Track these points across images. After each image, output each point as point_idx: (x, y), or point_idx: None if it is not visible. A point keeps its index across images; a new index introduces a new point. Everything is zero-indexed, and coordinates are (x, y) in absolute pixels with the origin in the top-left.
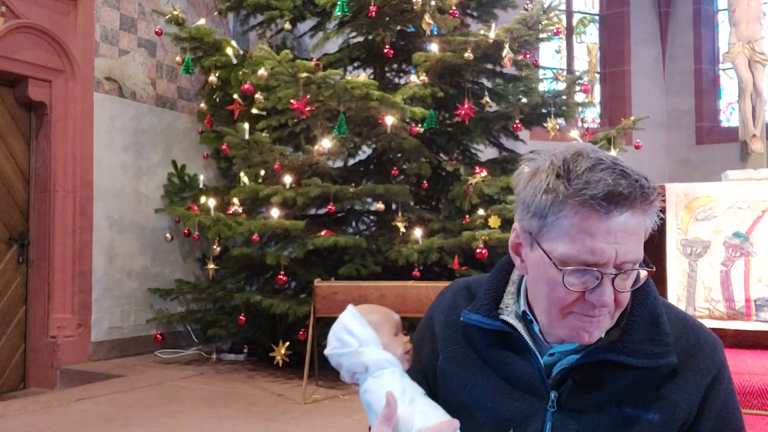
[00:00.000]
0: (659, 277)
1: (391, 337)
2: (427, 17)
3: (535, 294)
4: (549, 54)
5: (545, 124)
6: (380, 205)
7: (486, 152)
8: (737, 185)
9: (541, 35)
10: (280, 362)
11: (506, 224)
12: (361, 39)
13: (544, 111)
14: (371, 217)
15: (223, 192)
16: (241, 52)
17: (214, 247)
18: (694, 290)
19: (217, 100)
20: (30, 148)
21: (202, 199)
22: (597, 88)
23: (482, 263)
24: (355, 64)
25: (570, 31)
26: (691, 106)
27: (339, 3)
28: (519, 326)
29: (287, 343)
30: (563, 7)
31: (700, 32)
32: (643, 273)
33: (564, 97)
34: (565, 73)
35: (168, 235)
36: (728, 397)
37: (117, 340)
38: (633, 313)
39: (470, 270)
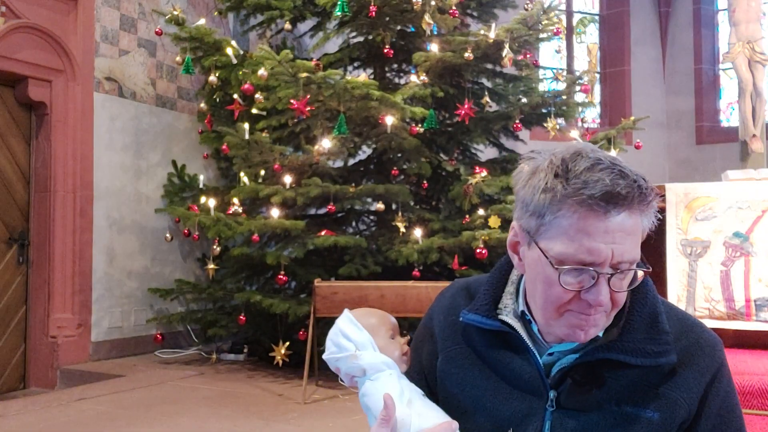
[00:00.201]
0: (659, 277)
1: (388, 340)
2: (427, 17)
3: (532, 292)
4: (549, 54)
5: (545, 124)
6: (380, 205)
7: (486, 152)
8: (737, 185)
9: (541, 35)
10: (280, 362)
11: (506, 224)
12: (361, 39)
13: (544, 111)
14: (371, 217)
15: (223, 192)
16: (241, 52)
17: (214, 247)
18: (694, 290)
19: (217, 100)
20: (30, 148)
21: (202, 199)
22: (597, 88)
23: (482, 263)
24: (355, 64)
25: (570, 31)
26: (691, 106)
27: (339, 3)
28: (518, 326)
29: (287, 343)
30: (563, 7)
31: (700, 32)
32: (640, 273)
33: (564, 97)
34: (565, 73)
35: (168, 235)
36: (728, 396)
37: (117, 340)
38: (632, 312)
39: (470, 270)
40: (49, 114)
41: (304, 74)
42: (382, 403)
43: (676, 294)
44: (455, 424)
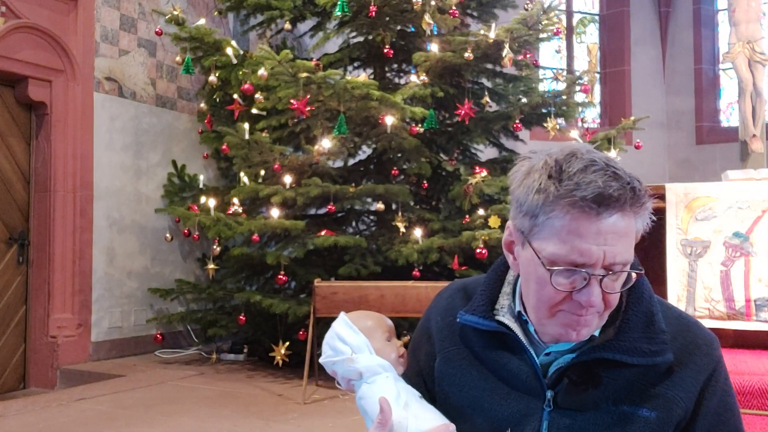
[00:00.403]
0: (659, 277)
1: (384, 342)
2: (427, 17)
3: (526, 292)
4: (549, 54)
5: (545, 124)
6: (380, 205)
7: (486, 152)
8: (737, 185)
9: (541, 35)
10: (280, 362)
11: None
12: (361, 39)
13: (544, 111)
14: (371, 217)
15: (223, 192)
16: (241, 52)
17: (214, 247)
18: (694, 290)
19: (217, 100)
20: (30, 148)
21: (202, 199)
22: (597, 88)
23: (482, 263)
24: (355, 64)
25: (570, 31)
26: (691, 106)
27: (339, 3)
28: (514, 327)
29: (287, 343)
30: (563, 7)
31: (700, 32)
32: (633, 275)
33: (564, 97)
34: (565, 73)
35: (168, 235)
36: (725, 395)
37: (117, 340)
38: (628, 312)
39: (470, 270)
40: (49, 114)
41: (304, 74)
42: (376, 407)
43: (676, 294)
44: (452, 427)
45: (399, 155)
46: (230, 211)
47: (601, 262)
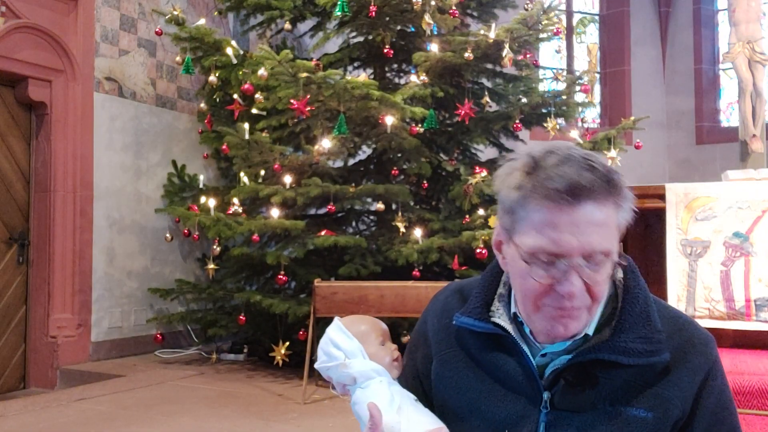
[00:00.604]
0: (659, 277)
1: (378, 347)
2: (427, 17)
3: (514, 289)
4: (549, 54)
5: (545, 124)
6: (380, 205)
7: (486, 152)
8: (737, 185)
9: (541, 35)
10: (280, 362)
11: None
12: (361, 39)
13: (544, 111)
14: (371, 217)
15: (223, 192)
16: (241, 52)
17: (214, 247)
18: (694, 290)
19: (217, 100)
20: (30, 148)
21: (202, 199)
22: (597, 88)
23: (482, 263)
24: (355, 64)
25: (570, 31)
26: (691, 106)
27: (339, 3)
28: (510, 328)
29: (287, 343)
30: (563, 7)
31: (700, 32)
32: (614, 256)
33: (564, 97)
34: (565, 73)
35: (168, 235)
36: (722, 394)
37: (117, 340)
38: (624, 312)
39: (470, 270)
40: (49, 114)
41: (304, 74)
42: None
43: (676, 294)
44: (444, 430)
45: (399, 155)
46: (230, 211)
47: (578, 251)
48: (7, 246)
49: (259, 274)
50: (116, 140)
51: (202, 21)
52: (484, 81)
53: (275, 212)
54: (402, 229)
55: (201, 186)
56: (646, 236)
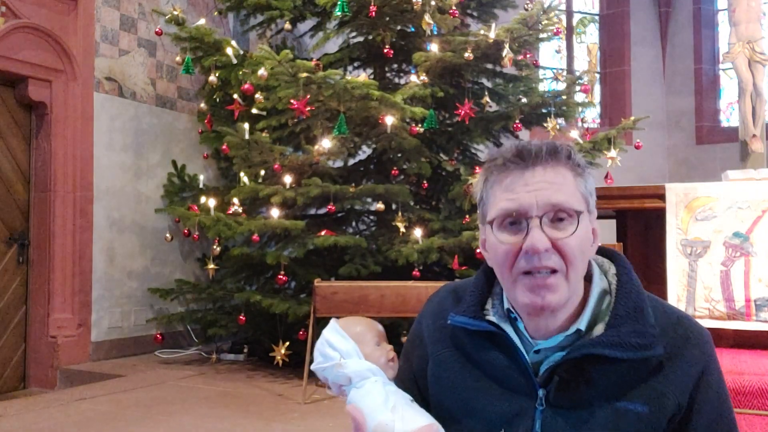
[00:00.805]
0: (659, 277)
1: (374, 347)
2: (427, 17)
3: (496, 271)
4: (549, 54)
5: (545, 124)
6: (380, 205)
7: (486, 152)
8: (737, 185)
9: (541, 35)
10: (280, 362)
11: None
12: (361, 39)
13: (544, 111)
14: (371, 217)
15: (223, 192)
16: (241, 52)
17: (214, 247)
18: (694, 290)
19: (217, 100)
20: (30, 148)
21: (202, 199)
22: (597, 88)
23: (482, 263)
24: (355, 64)
25: (570, 31)
26: (691, 106)
27: (339, 3)
28: (504, 325)
29: (287, 343)
30: (563, 7)
31: (700, 32)
32: (585, 224)
33: (564, 97)
34: (565, 73)
35: (168, 235)
36: (720, 388)
37: (117, 340)
38: (617, 307)
39: (470, 270)
40: (49, 114)
41: (304, 74)
42: (365, 411)
43: (676, 294)
44: (436, 426)
45: (399, 155)
46: (230, 211)
47: (534, 207)
48: (7, 246)
49: (259, 274)
50: (116, 140)
51: (202, 21)
52: (484, 81)
53: (275, 212)
54: (402, 229)
55: (201, 186)
56: (646, 236)
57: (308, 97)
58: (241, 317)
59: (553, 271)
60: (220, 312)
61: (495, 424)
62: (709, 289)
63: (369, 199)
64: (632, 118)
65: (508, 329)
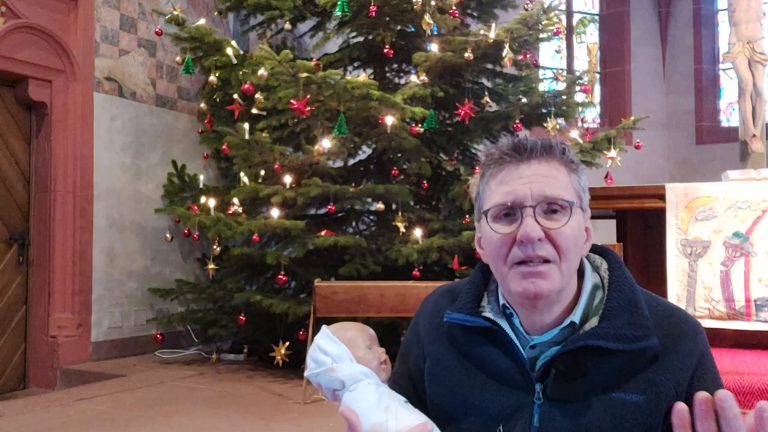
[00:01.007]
0: (659, 277)
1: (365, 351)
2: (427, 17)
3: (491, 265)
4: (549, 54)
5: (545, 124)
6: (380, 205)
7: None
8: (737, 185)
9: (541, 35)
10: (280, 362)
11: None
12: (361, 39)
13: (544, 111)
14: (371, 217)
15: (223, 192)
16: (241, 52)
17: (214, 247)
18: (694, 290)
19: (217, 100)
20: (30, 147)
21: (202, 199)
22: (597, 88)
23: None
24: (355, 64)
25: (570, 31)
26: (691, 106)
27: (339, 3)
28: (500, 321)
29: (287, 343)
30: (563, 7)
31: (700, 32)
32: (578, 218)
33: (564, 97)
34: (565, 73)
35: (168, 235)
36: (716, 378)
37: (117, 340)
38: (610, 300)
39: (470, 270)
40: (49, 114)
41: (304, 74)
42: (359, 413)
43: (676, 294)
44: (430, 425)
45: (399, 155)
46: (230, 211)
47: (529, 198)
48: (7, 246)
49: (259, 274)
50: (116, 140)
51: (202, 21)
52: (484, 81)
53: (275, 212)
54: (402, 229)
55: (201, 186)
56: (646, 236)
57: (308, 97)
58: (241, 317)
59: (547, 261)
60: (220, 312)
61: (493, 420)
62: (709, 289)
63: (369, 199)
64: (632, 118)
65: (504, 325)
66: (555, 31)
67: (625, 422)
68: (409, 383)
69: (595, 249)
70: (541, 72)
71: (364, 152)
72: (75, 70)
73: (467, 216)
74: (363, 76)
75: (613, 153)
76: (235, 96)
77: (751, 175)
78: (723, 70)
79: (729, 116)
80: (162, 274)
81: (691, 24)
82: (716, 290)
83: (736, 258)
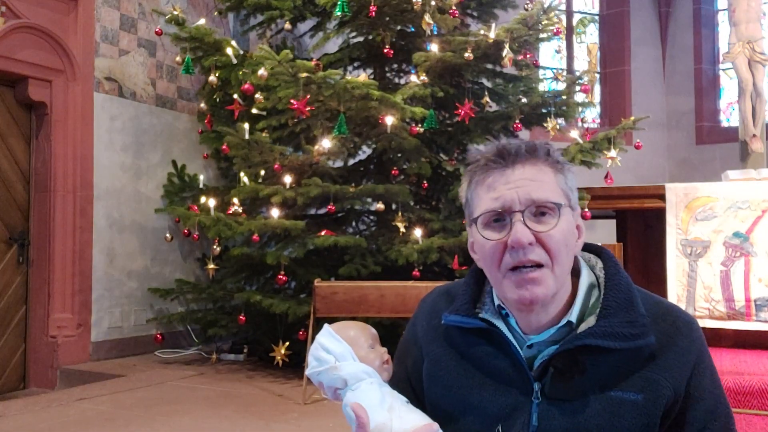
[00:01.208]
0: (659, 277)
1: (368, 350)
2: (427, 17)
3: (485, 271)
4: (549, 54)
5: (545, 124)
6: (380, 205)
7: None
8: (737, 185)
9: (541, 35)
10: (280, 362)
11: None
12: (361, 39)
13: (544, 111)
14: (371, 217)
15: (223, 192)
16: (241, 52)
17: (214, 247)
18: (694, 290)
19: (217, 100)
20: (30, 148)
21: (202, 199)
22: (597, 88)
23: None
24: (355, 64)
25: (570, 31)
26: (691, 106)
27: (339, 3)
28: (497, 321)
29: (287, 343)
30: (563, 7)
31: (700, 32)
32: (567, 218)
33: (564, 97)
34: (565, 73)
35: (168, 235)
36: (714, 375)
37: (117, 340)
38: (607, 299)
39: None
40: (49, 114)
41: (304, 74)
42: (363, 411)
43: (676, 294)
44: (435, 426)
45: (399, 155)
46: (230, 211)
47: (517, 203)
48: (7, 246)
49: (259, 274)
50: (116, 140)
51: (202, 21)
52: (484, 81)
53: (275, 212)
54: (402, 229)
55: (201, 186)
56: (646, 236)
57: (308, 97)
58: (241, 317)
59: (539, 266)
60: (220, 312)
61: (492, 420)
62: (709, 289)
63: (369, 199)
64: (632, 118)
65: (501, 325)
66: (555, 31)
67: (624, 421)
68: (407, 384)
69: (590, 248)
70: (541, 72)
71: (364, 152)
72: (75, 70)
73: None
74: (363, 76)
75: (613, 153)
76: (235, 96)
77: (751, 175)
78: (723, 70)
79: (729, 116)
80: (162, 274)
81: (691, 24)
82: (716, 290)
83: (736, 258)
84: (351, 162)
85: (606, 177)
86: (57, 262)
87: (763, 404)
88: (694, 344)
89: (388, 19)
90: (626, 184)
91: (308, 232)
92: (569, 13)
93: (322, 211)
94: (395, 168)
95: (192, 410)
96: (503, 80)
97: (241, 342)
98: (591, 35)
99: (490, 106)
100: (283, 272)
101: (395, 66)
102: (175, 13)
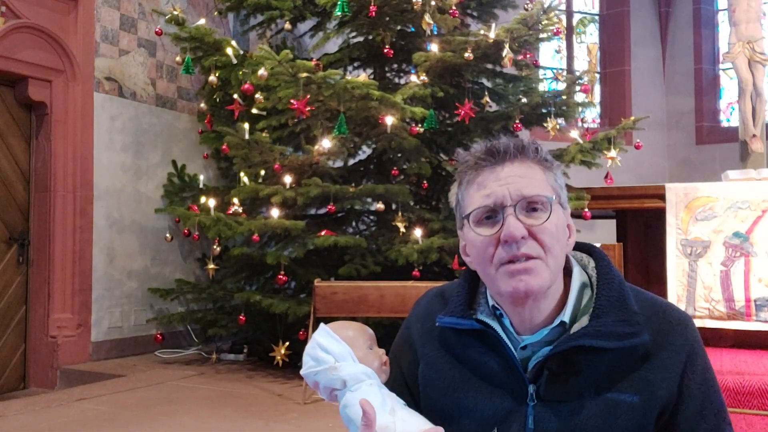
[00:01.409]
0: (659, 277)
1: (367, 351)
2: (427, 17)
3: (478, 269)
4: (549, 54)
5: (545, 124)
6: (380, 205)
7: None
8: (737, 185)
9: (541, 35)
10: (280, 362)
11: None
12: (361, 39)
13: (544, 111)
14: (371, 217)
15: (223, 192)
16: (241, 52)
17: (214, 247)
18: (694, 290)
19: (217, 100)
20: (30, 147)
21: (202, 199)
22: (597, 88)
23: None
24: (355, 64)
25: (570, 31)
26: (691, 106)
27: (339, 3)
28: (491, 322)
29: (287, 343)
30: (563, 7)
31: (700, 32)
32: (558, 213)
33: (564, 97)
34: (565, 73)
35: (168, 235)
36: (706, 373)
37: (117, 340)
38: (600, 298)
39: None
40: (49, 114)
41: (304, 74)
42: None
43: (676, 294)
44: (441, 430)
45: (399, 155)
46: (230, 211)
47: (508, 198)
48: (7, 246)
49: (259, 274)
50: (116, 140)
51: (202, 21)
52: (484, 81)
53: (275, 212)
54: (402, 229)
55: (201, 186)
56: (646, 236)
57: (308, 97)
58: (241, 317)
59: (533, 258)
60: (220, 312)
61: (488, 423)
62: (709, 289)
63: (369, 199)
64: (632, 118)
65: (495, 326)
66: (555, 31)
67: (620, 422)
68: (403, 386)
69: (583, 247)
70: (541, 72)
71: (364, 152)
72: (75, 70)
73: None
74: (363, 76)
75: (613, 153)
76: (235, 96)
77: (751, 175)
78: (723, 70)
79: (729, 116)
80: (162, 274)
81: (691, 24)
82: (716, 290)
83: (736, 258)
84: (351, 162)
85: (606, 177)
86: (57, 262)
87: (763, 404)
88: (687, 341)
89: (388, 19)
90: (626, 184)
91: (308, 232)
92: (569, 13)
93: (322, 211)
94: (395, 168)
95: (192, 410)
96: (503, 80)
97: (241, 342)
98: (591, 35)
99: (490, 106)
100: (283, 272)
101: (395, 66)
102: (175, 13)
